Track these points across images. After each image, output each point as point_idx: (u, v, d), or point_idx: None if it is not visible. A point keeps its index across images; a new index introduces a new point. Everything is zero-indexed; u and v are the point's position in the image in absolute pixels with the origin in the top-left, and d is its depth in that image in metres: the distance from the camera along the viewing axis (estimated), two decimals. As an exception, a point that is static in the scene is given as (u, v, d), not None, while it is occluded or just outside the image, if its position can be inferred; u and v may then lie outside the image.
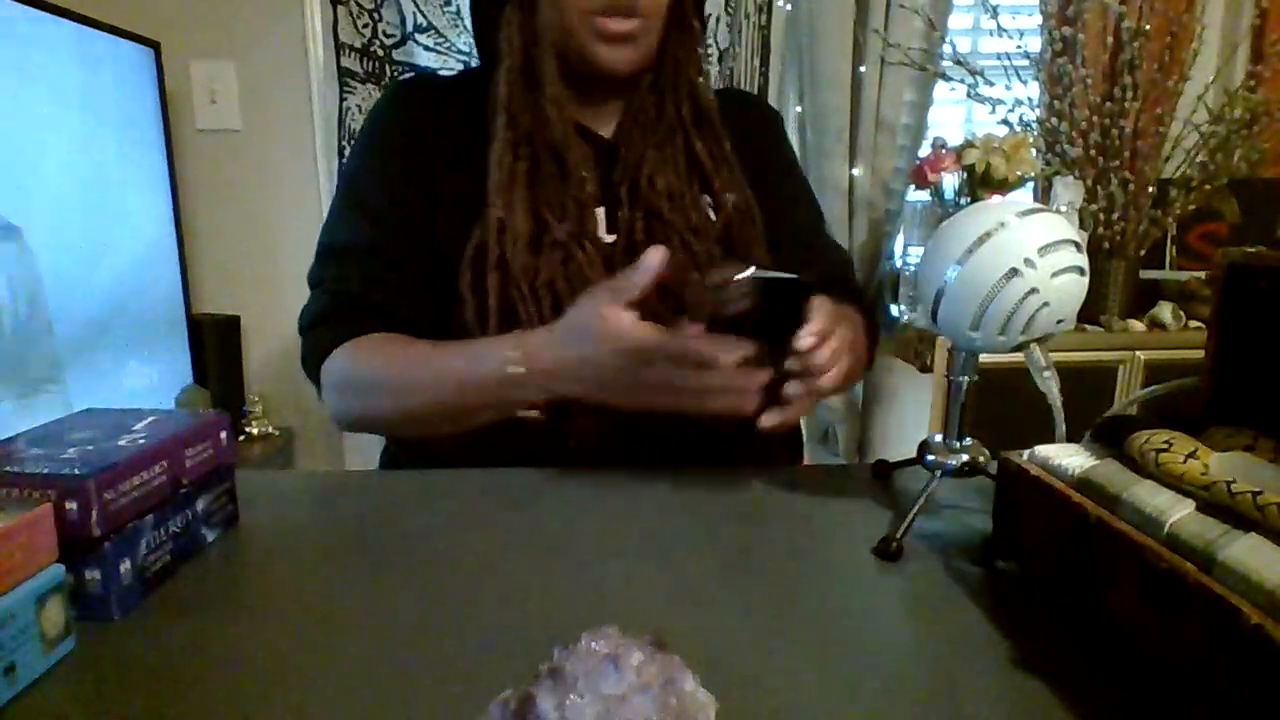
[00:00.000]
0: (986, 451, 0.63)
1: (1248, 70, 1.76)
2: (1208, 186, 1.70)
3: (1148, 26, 1.63)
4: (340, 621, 0.49)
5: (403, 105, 0.87)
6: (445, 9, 1.86)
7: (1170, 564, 0.39)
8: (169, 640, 0.46)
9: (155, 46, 1.75)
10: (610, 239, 0.82)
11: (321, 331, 0.82)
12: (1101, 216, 1.69)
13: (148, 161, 1.75)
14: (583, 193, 0.80)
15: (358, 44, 1.89)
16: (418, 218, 0.82)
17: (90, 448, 0.50)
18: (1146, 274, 1.80)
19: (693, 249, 0.81)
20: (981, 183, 1.71)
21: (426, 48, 1.88)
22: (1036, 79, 1.75)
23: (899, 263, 1.93)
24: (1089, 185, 1.69)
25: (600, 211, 0.82)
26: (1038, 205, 0.57)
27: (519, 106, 0.81)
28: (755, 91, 1.90)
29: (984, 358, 0.61)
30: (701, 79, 0.87)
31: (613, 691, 0.32)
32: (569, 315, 0.70)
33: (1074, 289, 0.56)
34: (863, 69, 1.89)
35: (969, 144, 1.72)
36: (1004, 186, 1.70)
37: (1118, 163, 1.66)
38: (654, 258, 0.65)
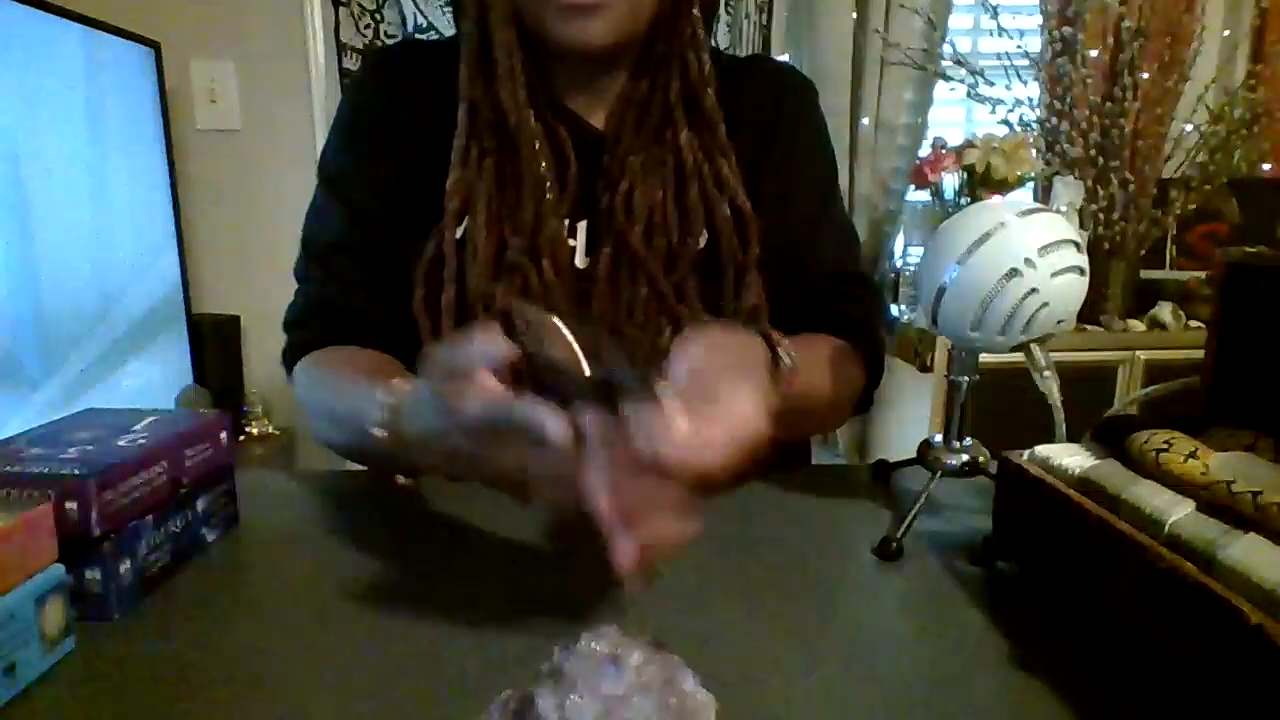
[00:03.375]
0: (986, 451, 0.62)
1: (1248, 70, 1.77)
2: (1208, 186, 1.70)
3: (1147, 26, 1.63)
4: (340, 621, 0.49)
5: (380, 82, 0.79)
6: (445, 9, 1.86)
7: (1170, 564, 0.39)
8: (169, 640, 0.46)
9: (155, 46, 1.75)
10: (585, 264, 0.74)
11: (297, 334, 0.78)
12: (1101, 216, 1.69)
13: (148, 161, 1.75)
14: (540, 197, 0.71)
15: (359, 45, 1.89)
16: (398, 208, 0.76)
17: (90, 448, 0.50)
18: (1146, 274, 1.80)
19: (658, 288, 0.72)
20: (981, 183, 1.71)
21: (426, 48, 1.88)
22: (1036, 79, 1.75)
23: (899, 263, 1.93)
24: (1089, 185, 1.69)
25: (582, 227, 0.74)
26: (1038, 205, 0.57)
27: (479, 92, 0.71)
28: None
29: (984, 358, 0.61)
30: (695, 51, 0.73)
31: (613, 691, 0.32)
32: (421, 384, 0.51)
33: (1074, 289, 0.56)
34: (863, 69, 1.89)
35: (969, 144, 1.72)
36: (1004, 186, 1.70)
37: (1118, 163, 1.66)
38: (484, 349, 0.45)
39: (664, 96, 0.73)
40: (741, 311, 0.75)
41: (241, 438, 1.90)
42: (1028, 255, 0.54)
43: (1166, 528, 0.42)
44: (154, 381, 1.74)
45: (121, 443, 0.51)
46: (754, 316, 0.75)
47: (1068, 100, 1.68)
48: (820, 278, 0.81)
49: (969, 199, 1.74)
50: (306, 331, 0.78)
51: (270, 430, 1.95)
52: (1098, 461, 0.51)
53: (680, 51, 0.73)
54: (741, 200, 0.75)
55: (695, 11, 0.73)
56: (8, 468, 0.46)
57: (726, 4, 1.89)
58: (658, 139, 0.74)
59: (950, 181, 1.77)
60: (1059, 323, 0.56)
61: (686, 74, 0.73)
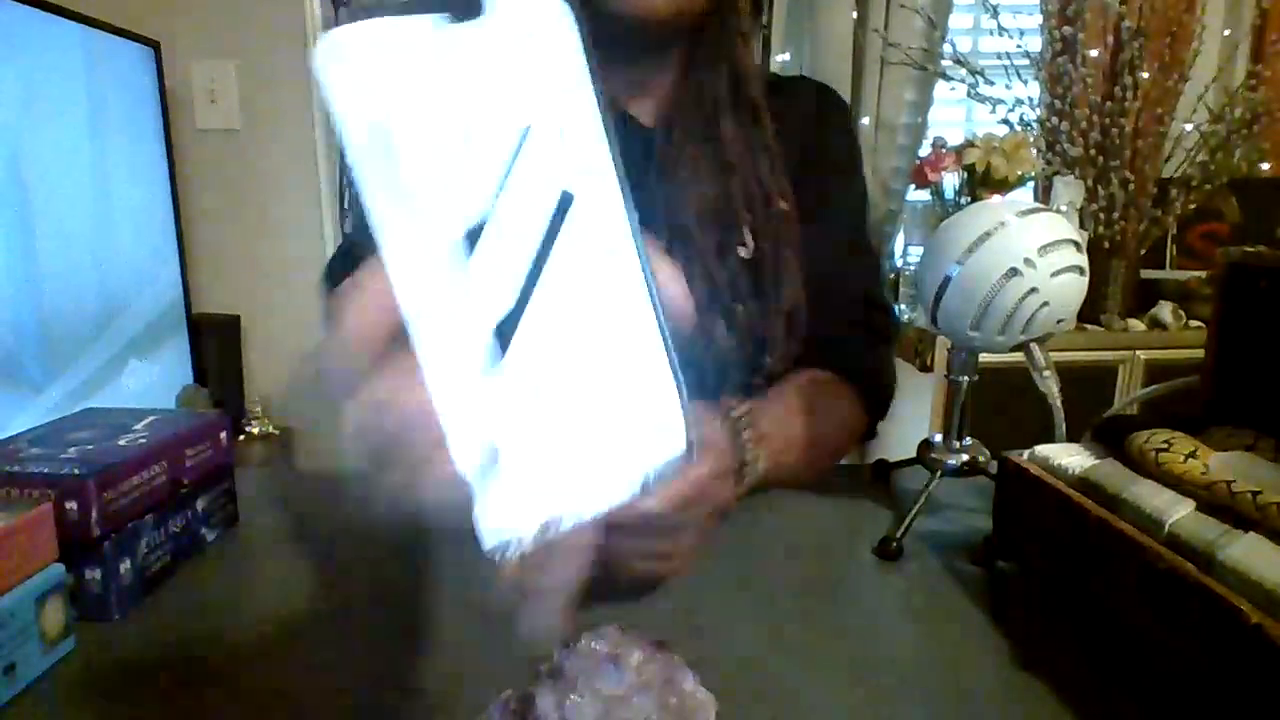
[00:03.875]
0: (986, 451, 0.62)
1: (1248, 70, 1.77)
2: (1208, 186, 1.70)
3: (1147, 25, 1.63)
4: (339, 621, 0.49)
5: None
6: (445, 9, 1.86)
7: (1170, 564, 0.39)
8: (169, 640, 0.46)
9: (155, 46, 1.75)
10: None
11: (332, 271, 0.75)
12: (1101, 216, 1.69)
13: (148, 161, 1.75)
14: None
15: (358, 44, 1.89)
16: None
17: (90, 448, 0.50)
18: (1146, 273, 1.80)
19: (714, 280, 0.72)
20: (981, 182, 1.71)
21: (426, 47, 1.88)
22: (1037, 78, 1.75)
23: (899, 263, 1.92)
24: (1089, 185, 1.69)
25: None
26: (1038, 205, 0.57)
27: None
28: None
29: (984, 358, 0.61)
30: (742, 41, 0.73)
31: (613, 691, 0.32)
32: None
33: (1074, 288, 0.56)
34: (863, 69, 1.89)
35: (969, 143, 1.72)
36: (1004, 186, 1.70)
37: (1118, 162, 1.66)
38: None
39: (712, 87, 0.73)
40: (781, 311, 0.74)
41: (241, 438, 1.90)
42: (1027, 255, 0.54)
43: (1166, 528, 0.42)
44: (154, 381, 1.74)
45: (121, 443, 0.51)
46: (792, 316, 0.74)
47: (1068, 100, 1.68)
48: (845, 300, 0.80)
49: (969, 199, 1.74)
50: (341, 264, 0.73)
51: (270, 430, 1.95)
52: (1098, 461, 0.51)
53: (730, 42, 0.72)
54: (778, 196, 0.74)
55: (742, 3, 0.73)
56: (8, 468, 0.46)
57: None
58: (706, 133, 0.73)
59: (950, 181, 1.77)
60: (1059, 322, 0.56)
61: (735, 64, 0.73)
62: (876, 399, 0.79)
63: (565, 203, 0.23)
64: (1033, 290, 0.54)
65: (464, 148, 0.22)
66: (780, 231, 0.75)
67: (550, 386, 0.23)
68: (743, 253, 0.74)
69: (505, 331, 0.22)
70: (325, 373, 0.23)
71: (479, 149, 0.22)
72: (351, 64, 0.21)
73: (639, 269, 0.24)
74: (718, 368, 0.72)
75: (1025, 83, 1.73)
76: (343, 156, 0.69)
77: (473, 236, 0.22)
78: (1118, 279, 1.72)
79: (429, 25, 0.21)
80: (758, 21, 0.78)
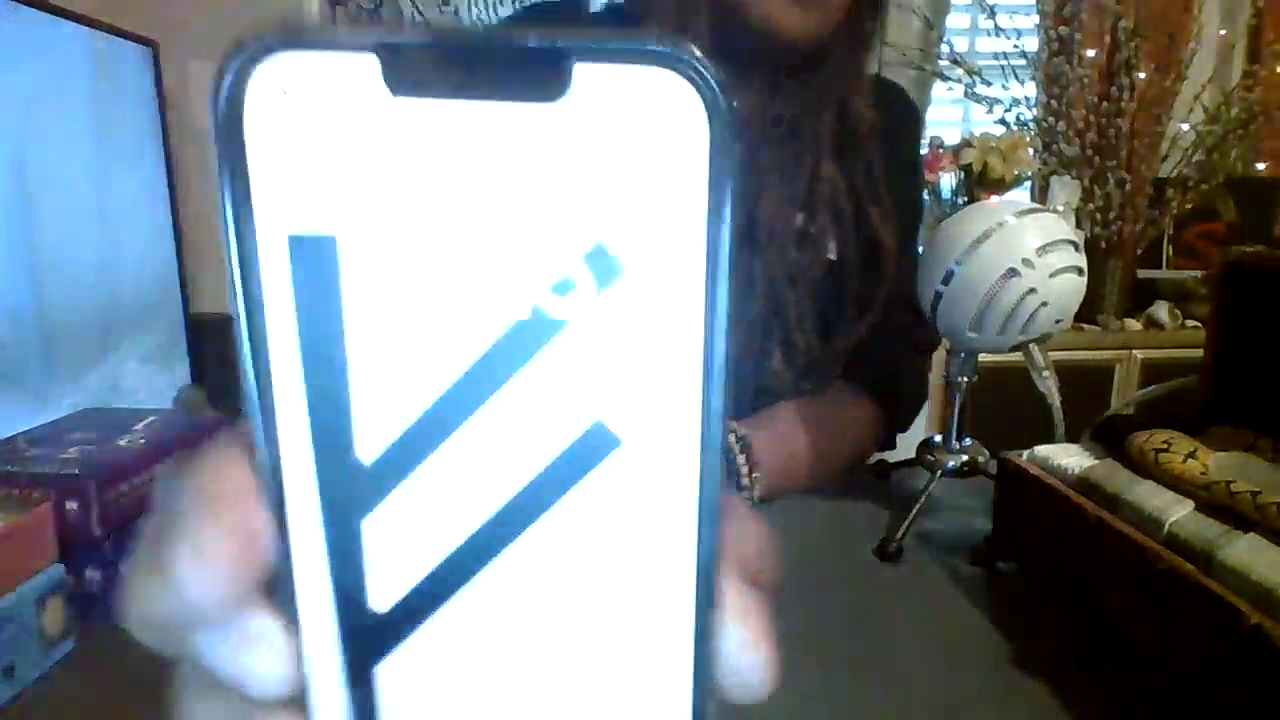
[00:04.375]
0: (986, 451, 0.63)
1: (1244, 70, 1.77)
2: (1204, 186, 1.71)
3: (1144, 26, 1.64)
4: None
5: None
6: (444, 9, 1.86)
7: (1170, 564, 0.40)
8: (169, 641, 0.46)
9: (154, 46, 1.75)
10: None
11: None
12: (1098, 216, 1.70)
13: (147, 161, 1.74)
14: None
15: (356, 43, 1.88)
16: None
17: (90, 448, 0.50)
18: (1143, 273, 1.81)
19: (777, 300, 0.70)
20: (979, 182, 1.71)
21: (424, 47, 1.88)
22: (1034, 78, 1.75)
23: (897, 262, 1.92)
24: (1086, 185, 1.69)
25: None
26: (1036, 205, 0.58)
27: None
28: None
29: (984, 358, 0.61)
30: (857, 74, 0.71)
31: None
32: None
33: (1072, 288, 0.56)
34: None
35: (966, 143, 1.72)
36: (1001, 186, 1.70)
37: (1115, 162, 1.67)
38: None
39: (814, 130, 0.70)
40: (841, 350, 0.73)
41: (239, 437, 1.90)
42: (1026, 255, 0.54)
43: (1166, 528, 0.42)
44: (154, 382, 1.74)
45: (121, 443, 0.51)
46: (837, 357, 0.73)
47: (1065, 100, 1.68)
48: (889, 308, 0.77)
49: (966, 199, 1.74)
50: None
51: (268, 430, 1.95)
52: (1097, 461, 0.51)
53: (846, 74, 0.70)
54: (882, 234, 0.72)
55: (866, 54, 0.71)
56: (8, 468, 0.46)
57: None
58: (794, 166, 0.71)
59: (948, 181, 1.77)
60: (1057, 322, 0.57)
61: (849, 117, 0.71)
62: (899, 411, 0.78)
63: (595, 446, 0.13)
64: (1031, 290, 0.55)
65: (445, 323, 0.13)
66: (875, 265, 0.72)
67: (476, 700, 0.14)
68: (815, 273, 0.72)
69: (414, 611, 0.14)
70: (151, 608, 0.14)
71: (464, 327, 0.13)
72: (300, 130, 0.13)
73: (689, 595, 0.14)
74: (760, 390, 0.71)
75: (1022, 83, 1.73)
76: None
77: (392, 467, 0.14)
78: (1114, 279, 1.73)
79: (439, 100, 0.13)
80: (874, 49, 0.74)
